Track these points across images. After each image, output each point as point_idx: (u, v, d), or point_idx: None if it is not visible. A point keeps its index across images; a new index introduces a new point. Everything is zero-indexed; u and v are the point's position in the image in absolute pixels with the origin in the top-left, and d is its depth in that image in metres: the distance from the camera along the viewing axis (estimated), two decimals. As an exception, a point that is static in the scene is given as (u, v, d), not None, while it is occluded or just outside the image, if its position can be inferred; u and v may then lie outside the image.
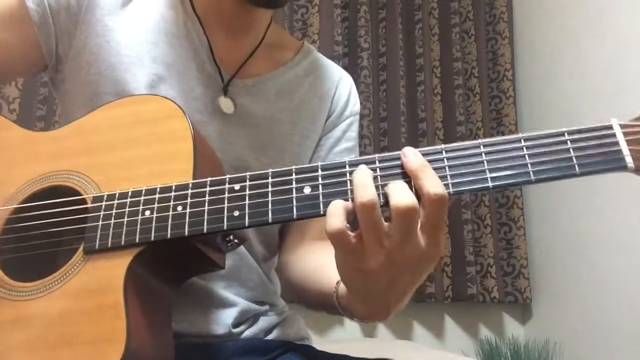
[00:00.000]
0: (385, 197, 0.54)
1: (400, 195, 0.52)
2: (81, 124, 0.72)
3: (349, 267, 0.57)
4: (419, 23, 2.47)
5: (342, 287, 0.65)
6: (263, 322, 0.81)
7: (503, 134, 2.46)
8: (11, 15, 0.78)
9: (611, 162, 0.52)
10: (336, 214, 0.53)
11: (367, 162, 0.57)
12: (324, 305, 0.73)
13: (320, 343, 0.92)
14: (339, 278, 0.66)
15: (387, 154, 0.58)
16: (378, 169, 0.57)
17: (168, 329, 0.66)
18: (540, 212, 2.34)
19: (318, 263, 0.78)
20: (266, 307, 0.83)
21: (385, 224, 0.53)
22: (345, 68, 2.35)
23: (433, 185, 0.53)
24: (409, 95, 2.39)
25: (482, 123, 2.43)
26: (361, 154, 1.85)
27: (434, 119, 2.40)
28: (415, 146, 2.12)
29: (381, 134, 2.36)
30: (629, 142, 0.53)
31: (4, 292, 0.63)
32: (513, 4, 2.59)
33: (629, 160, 0.52)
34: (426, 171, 0.54)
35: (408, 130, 2.33)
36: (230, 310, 0.77)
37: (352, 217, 0.54)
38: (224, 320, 0.76)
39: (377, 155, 0.58)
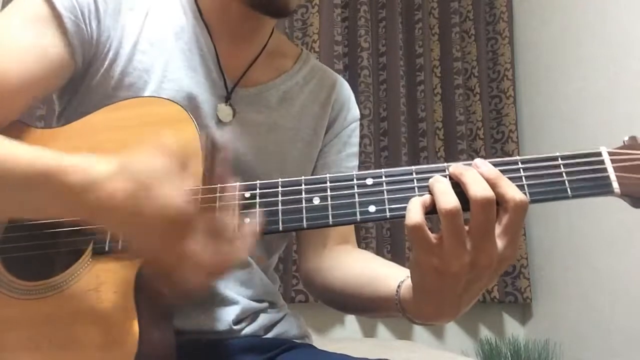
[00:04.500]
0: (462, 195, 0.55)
1: (479, 186, 0.55)
2: (85, 123, 0.71)
3: (429, 268, 0.57)
4: (419, 23, 2.47)
5: (406, 290, 0.66)
6: (263, 320, 0.82)
7: (503, 134, 2.47)
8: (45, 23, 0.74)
9: (600, 187, 0.57)
10: (415, 209, 0.55)
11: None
12: (377, 309, 0.75)
13: (320, 342, 0.92)
14: (398, 281, 0.68)
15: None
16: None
17: (171, 326, 0.66)
18: (540, 212, 2.34)
19: (363, 266, 0.80)
20: (266, 305, 0.84)
21: (466, 227, 0.55)
22: (345, 68, 2.36)
23: (517, 191, 0.55)
24: (409, 95, 2.39)
25: (482, 123, 2.43)
26: (361, 154, 1.85)
27: (434, 119, 2.40)
28: (416, 145, 2.12)
29: (381, 134, 2.36)
30: (616, 169, 0.57)
31: (10, 290, 0.63)
32: (513, 4, 2.59)
33: (615, 185, 0.57)
34: (505, 179, 0.56)
35: (408, 130, 2.33)
36: (231, 307, 0.78)
37: (429, 210, 0.56)
38: (225, 317, 0.77)
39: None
